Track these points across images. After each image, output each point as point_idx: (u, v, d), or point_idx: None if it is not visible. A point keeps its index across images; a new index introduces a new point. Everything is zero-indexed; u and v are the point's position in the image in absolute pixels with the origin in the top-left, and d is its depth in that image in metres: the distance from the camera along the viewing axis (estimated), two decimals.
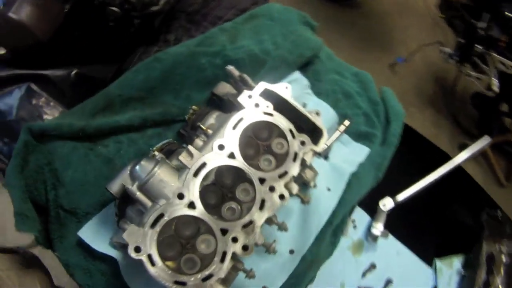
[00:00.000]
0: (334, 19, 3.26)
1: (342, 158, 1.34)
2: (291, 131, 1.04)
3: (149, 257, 0.90)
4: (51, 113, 1.32)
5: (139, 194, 0.96)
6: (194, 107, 1.14)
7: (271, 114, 1.03)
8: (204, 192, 0.95)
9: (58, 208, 1.13)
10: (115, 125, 1.21)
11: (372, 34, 3.35)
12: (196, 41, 1.33)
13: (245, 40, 1.36)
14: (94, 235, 1.10)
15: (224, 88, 1.16)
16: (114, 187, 1.00)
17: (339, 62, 1.54)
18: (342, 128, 1.35)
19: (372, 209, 1.36)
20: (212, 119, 1.10)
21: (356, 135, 1.40)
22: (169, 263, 0.91)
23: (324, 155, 1.33)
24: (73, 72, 1.39)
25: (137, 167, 0.97)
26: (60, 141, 1.17)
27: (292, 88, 1.31)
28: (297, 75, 1.34)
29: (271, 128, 1.04)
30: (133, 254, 0.90)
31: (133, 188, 0.96)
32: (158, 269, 0.89)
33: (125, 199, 1.02)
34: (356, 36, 3.25)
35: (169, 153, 1.04)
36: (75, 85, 1.38)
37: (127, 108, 1.25)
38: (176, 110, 1.25)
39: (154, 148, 1.08)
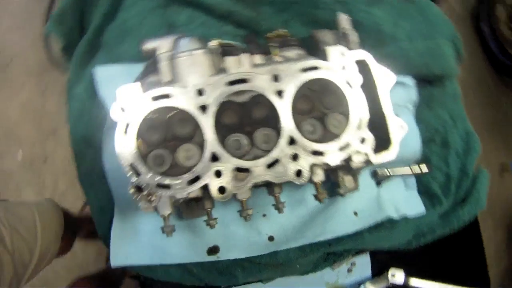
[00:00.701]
0: (494, 90, 2.85)
1: (393, 198, 1.09)
2: (360, 119, 0.81)
3: (127, 125, 0.73)
4: None
5: (164, 64, 0.79)
6: (285, 30, 0.93)
7: (352, 88, 0.81)
8: (224, 107, 0.76)
9: (95, 36, 1.01)
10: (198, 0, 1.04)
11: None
12: None
13: (382, 11, 1.11)
14: (107, 79, 0.96)
15: (324, 36, 0.94)
16: (149, 45, 0.84)
17: (460, 109, 1.25)
18: (416, 169, 1.09)
19: (380, 267, 1.11)
20: (292, 53, 0.89)
21: (424, 188, 1.13)
22: (140, 144, 0.75)
23: (380, 180, 1.08)
24: None
25: (185, 38, 0.80)
26: None
27: (395, 90, 1.07)
28: (409, 81, 1.08)
29: (340, 100, 0.81)
30: (113, 112, 0.74)
31: (163, 55, 0.79)
32: (125, 141, 0.73)
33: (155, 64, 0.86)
34: (495, 117, 2.82)
35: (228, 53, 0.85)
36: None
37: None
38: (266, 24, 1.05)
39: (219, 40, 0.89)
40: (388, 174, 1.07)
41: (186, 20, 1.04)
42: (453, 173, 1.16)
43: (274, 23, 1.06)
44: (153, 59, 0.87)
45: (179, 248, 0.91)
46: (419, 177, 1.13)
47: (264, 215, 0.96)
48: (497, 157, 2.82)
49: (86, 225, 1.55)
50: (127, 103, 0.74)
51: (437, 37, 1.16)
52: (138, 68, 0.96)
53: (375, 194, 1.06)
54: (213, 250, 0.92)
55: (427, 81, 1.13)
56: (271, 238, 0.94)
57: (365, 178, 1.06)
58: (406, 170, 1.09)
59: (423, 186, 1.13)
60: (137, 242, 0.90)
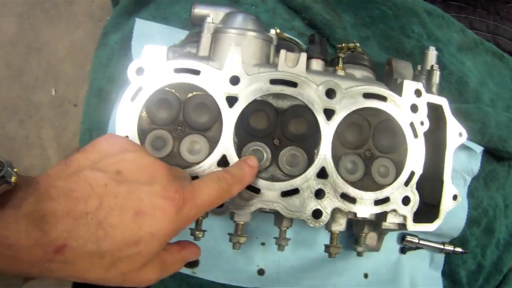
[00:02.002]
0: None
1: (413, 271, 0.89)
2: (412, 173, 0.62)
3: (138, 90, 0.57)
4: None
5: (206, 35, 0.62)
6: (357, 44, 0.75)
7: (416, 135, 0.62)
8: (257, 107, 0.58)
9: None
10: None
11: None
12: (431, 9, 0.91)
13: (472, 63, 0.90)
14: (144, 36, 0.80)
15: (404, 67, 0.75)
16: (200, 10, 0.67)
17: None
18: (449, 248, 0.89)
19: None
20: (359, 73, 0.70)
21: (449, 271, 0.93)
22: (145, 117, 0.58)
23: (405, 247, 0.88)
24: None
25: (240, 14, 0.63)
26: None
27: (458, 154, 0.86)
28: (477, 149, 0.87)
29: (397, 145, 0.62)
30: (129, 71, 0.58)
31: (210, 24, 0.62)
32: (130, 108, 0.57)
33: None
34: None
35: (287, 47, 0.67)
36: None
37: None
38: (342, 33, 0.85)
39: (280, 30, 0.72)
40: (417, 244, 0.87)
41: (254, 1, 0.86)
42: (487, 264, 0.96)
43: (351, 35, 0.86)
44: (199, 29, 0.71)
45: None
46: (448, 257, 0.92)
47: (262, 244, 0.77)
48: None
49: None
50: (148, 66, 0.58)
51: None
52: (182, 35, 0.79)
53: (395, 261, 0.87)
54: (191, 263, 0.74)
55: (494, 156, 0.92)
56: (261, 272, 0.76)
57: (388, 239, 0.87)
58: (438, 245, 0.89)
59: (450, 269, 0.93)
60: None
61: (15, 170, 0.37)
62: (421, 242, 0.87)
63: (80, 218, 0.37)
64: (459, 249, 0.90)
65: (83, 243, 0.37)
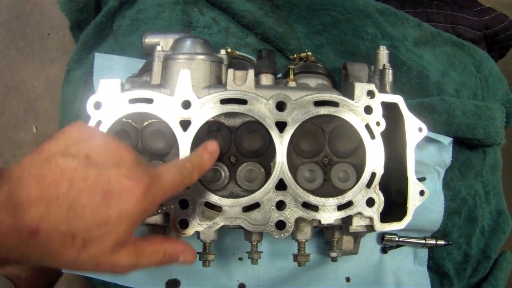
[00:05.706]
0: None
1: (397, 270, 0.91)
2: (373, 175, 0.64)
3: (97, 123, 0.60)
4: None
5: (157, 64, 0.65)
6: (309, 53, 0.78)
7: (373, 136, 0.64)
8: (211, 128, 0.61)
9: (106, 20, 0.91)
10: (227, 3, 0.89)
11: None
12: (383, 8, 0.94)
13: (432, 56, 0.93)
14: (105, 69, 0.84)
15: (359, 70, 0.78)
16: (149, 39, 0.71)
17: (497, 183, 1.04)
18: (431, 242, 0.90)
19: None
20: (313, 81, 0.73)
21: (435, 265, 0.94)
22: None
23: (386, 246, 0.90)
24: None
25: (189, 39, 0.66)
26: None
27: (427, 148, 0.88)
28: (446, 140, 0.89)
29: (355, 149, 0.65)
30: (88, 106, 0.61)
31: (160, 53, 0.65)
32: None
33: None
34: None
35: (240, 65, 0.70)
36: None
37: (263, 4, 0.92)
38: (295, 44, 0.89)
39: (231, 49, 0.75)
40: (397, 242, 0.89)
41: (207, 23, 0.89)
42: (473, 253, 0.97)
43: (305, 44, 0.89)
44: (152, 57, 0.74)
45: (136, 272, 0.76)
46: (432, 251, 0.94)
47: (240, 259, 0.80)
48: None
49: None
50: (104, 99, 0.61)
51: (488, 97, 0.97)
52: (140, 64, 0.83)
53: (376, 261, 0.89)
54: (172, 284, 0.77)
55: (466, 145, 0.94)
56: (242, 286, 0.78)
57: (368, 240, 0.88)
58: (419, 241, 0.90)
59: (435, 263, 0.94)
60: None
61: None
62: (401, 239, 0.89)
63: (52, 202, 0.40)
64: (441, 242, 0.91)
65: (55, 225, 0.40)
